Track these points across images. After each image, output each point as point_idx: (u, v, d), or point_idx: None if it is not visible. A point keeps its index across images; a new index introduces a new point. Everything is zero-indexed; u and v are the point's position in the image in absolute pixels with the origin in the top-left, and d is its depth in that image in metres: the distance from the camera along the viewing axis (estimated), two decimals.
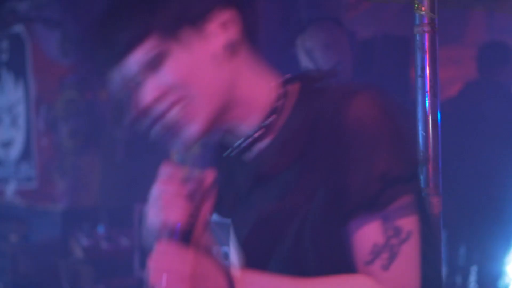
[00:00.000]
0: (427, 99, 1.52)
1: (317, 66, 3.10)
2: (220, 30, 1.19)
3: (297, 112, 1.22)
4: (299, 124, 1.21)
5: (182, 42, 1.17)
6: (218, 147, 1.30)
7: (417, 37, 1.55)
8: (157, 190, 1.15)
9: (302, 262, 1.18)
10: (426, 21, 1.53)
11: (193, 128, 1.19)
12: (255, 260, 1.22)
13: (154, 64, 1.17)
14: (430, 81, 1.53)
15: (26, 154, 5.85)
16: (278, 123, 1.22)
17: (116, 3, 1.21)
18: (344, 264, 1.17)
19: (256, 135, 1.23)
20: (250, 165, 1.24)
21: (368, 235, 1.16)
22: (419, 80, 1.55)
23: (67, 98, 5.41)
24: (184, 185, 1.15)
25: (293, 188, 1.19)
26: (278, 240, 1.20)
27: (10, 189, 6.01)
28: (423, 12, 1.52)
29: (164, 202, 1.14)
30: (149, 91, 1.18)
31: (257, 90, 1.24)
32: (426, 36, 1.54)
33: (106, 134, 5.07)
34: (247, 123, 1.23)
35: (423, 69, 1.54)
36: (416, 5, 1.52)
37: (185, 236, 1.13)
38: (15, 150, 5.97)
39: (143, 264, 3.34)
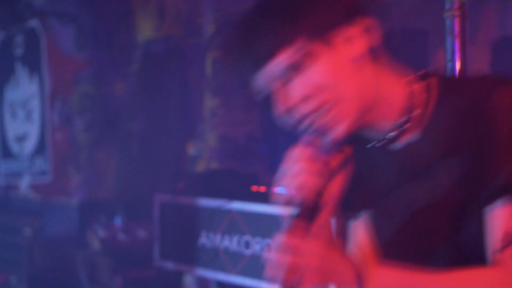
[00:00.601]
0: None
1: None
2: (364, 35, 1.21)
3: (443, 104, 1.24)
4: (446, 116, 1.23)
5: (329, 44, 1.19)
6: (352, 139, 1.29)
7: (447, 22, 1.55)
8: (286, 167, 1.19)
9: (447, 255, 1.20)
10: (456, 5, 1.54)
11: (339, 129, 1.21)
12: (398, 252, 1.23)
13: (300, 65, 1.18)
14: (460, 65, 1.54)
15: (40, 148, 5.87)
16: (426, 115, 1.25)
17: (261, 8, 1.22)
18: (479, 255, 1.18)
19: (405, 127, 1.25)
20: (398, 157, 1.27)
21: (500, 222, 1.16)
22: (449, 64, 1.55)
23: (83, 92, 5.43)
24: (314, 164, 1.18)
25: (443, 180, 1.21)
26: (428, 233, 1.22)
27: (25, 183, 6.03)
28: None
29: (293, 178, 1.17)
30: (296, 91, 1.19)
31: (396, 88, 1.26)
32: (457, 21, 1.54)
33: (121, 127, 5.09)
34: (388, 118, 1.25)
35: (453, 53, 1.55)
36: None
37: (310, 213, 1.14)
38: (30, 144, 5.99)
39: (162, 255, 3.38)
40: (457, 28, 1.54)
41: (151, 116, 4.73)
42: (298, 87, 1.19)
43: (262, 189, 2.93)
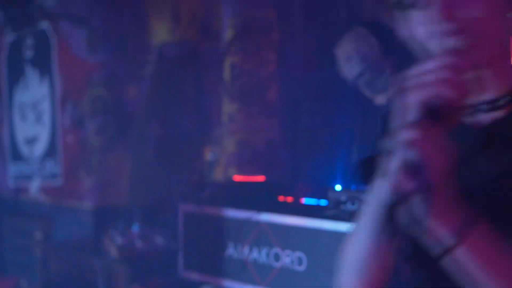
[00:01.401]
0: None
1: (342, 74, 3.09)
2: None
3: None
4: None
5: None
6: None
7: None
8: (420, 68, 1.04)
9: None
10: None
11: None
12: None
13: None
14: None
15: (51, 151, 5.83)
16: None
17: None
18: None
19: (502, 103, 1.16)
20: (482, 130, 1.17)
21: None
22: None
23: (95, 94, 5.39)
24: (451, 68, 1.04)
25: None
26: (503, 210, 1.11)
27: (35, 186, 6.00)
28: None
29: (429, 78, 1.03)
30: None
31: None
32: None
33: (135, 131, 5.05)
34: (490, 89, 1.16)
35: None
36: None
37: (440, 115, 1.02)
38: (40, 147, 5.96)
39: (187, 265, 3.34)
40: None
41: (167, 121, 4.69)
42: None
43: (289, 199, 2.89)
